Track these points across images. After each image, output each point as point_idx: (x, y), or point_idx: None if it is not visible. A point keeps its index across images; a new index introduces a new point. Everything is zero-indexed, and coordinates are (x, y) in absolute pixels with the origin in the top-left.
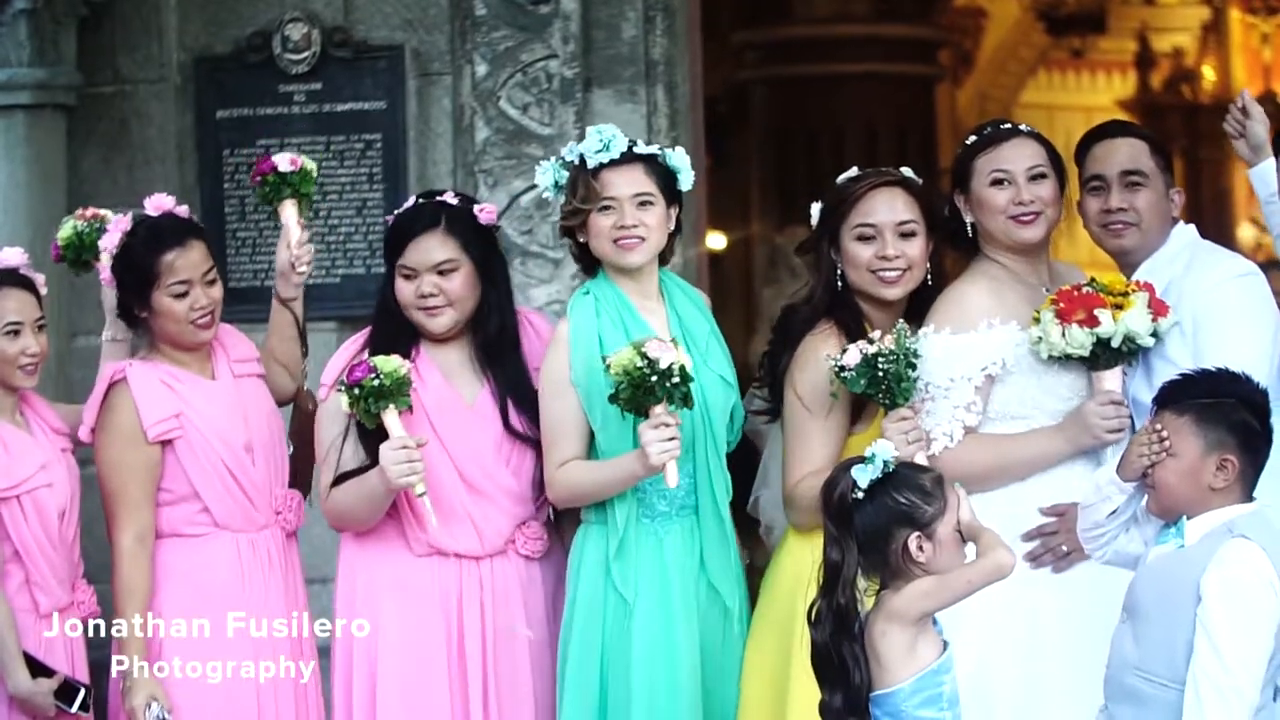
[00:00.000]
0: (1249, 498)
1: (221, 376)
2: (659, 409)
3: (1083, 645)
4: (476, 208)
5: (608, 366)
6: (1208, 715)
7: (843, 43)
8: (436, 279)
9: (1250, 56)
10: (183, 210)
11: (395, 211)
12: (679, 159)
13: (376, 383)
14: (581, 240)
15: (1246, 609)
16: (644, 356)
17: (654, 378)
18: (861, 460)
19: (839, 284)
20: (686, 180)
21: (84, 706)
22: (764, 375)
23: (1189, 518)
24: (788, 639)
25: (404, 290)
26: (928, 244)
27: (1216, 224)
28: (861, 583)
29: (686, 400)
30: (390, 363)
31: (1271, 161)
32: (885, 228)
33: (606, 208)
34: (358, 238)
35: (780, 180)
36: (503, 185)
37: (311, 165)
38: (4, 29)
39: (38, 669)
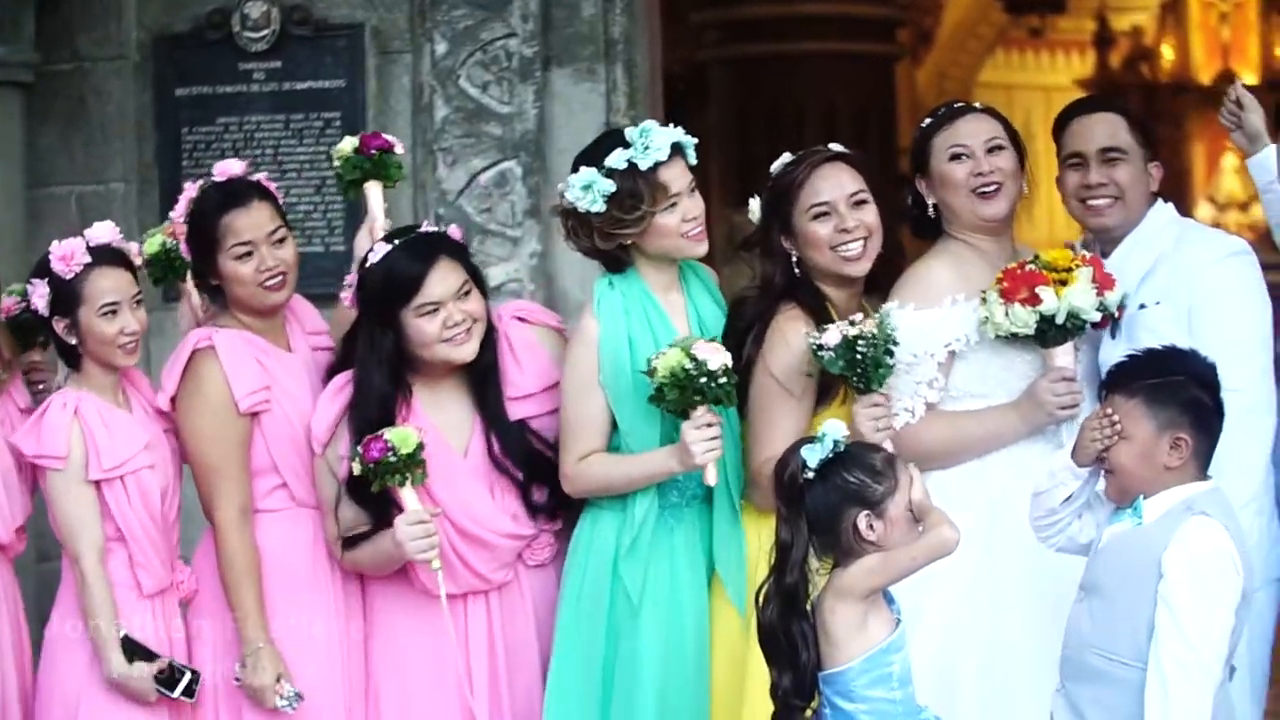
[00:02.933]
0: (1204, 475)
1: (298, 349)
2: (702, 409)
3: (1045, 625)
4: (449, 229)
5: (653, 369)
6: (1172, 692)
7: (802, 21)
8: (463, 304)
9: (1209, 35)
10: (257, 175)
11: (366, 265)
12: (685, 136)
13: (394, 459)
14: (628, 243)
15: (1209, 585)
16: (692, 358)
17: (702, 379)
18: (812, 440)
19: (795, 269)
20: (692, 155)
21: (188, 692)
22: None
23: (1146, 497)
24: (746, 620)
25: (428, 329)
26: (879, 212)
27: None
28: (814, 563)
29: (730, 399)
30: (407, 439)
31: (1271, 150)
32: (839, 201)
33: (671, 205)
34: (316, 215)
35: (739, 159)
36: (462, 163)
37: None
38: None
39: (141, 652)
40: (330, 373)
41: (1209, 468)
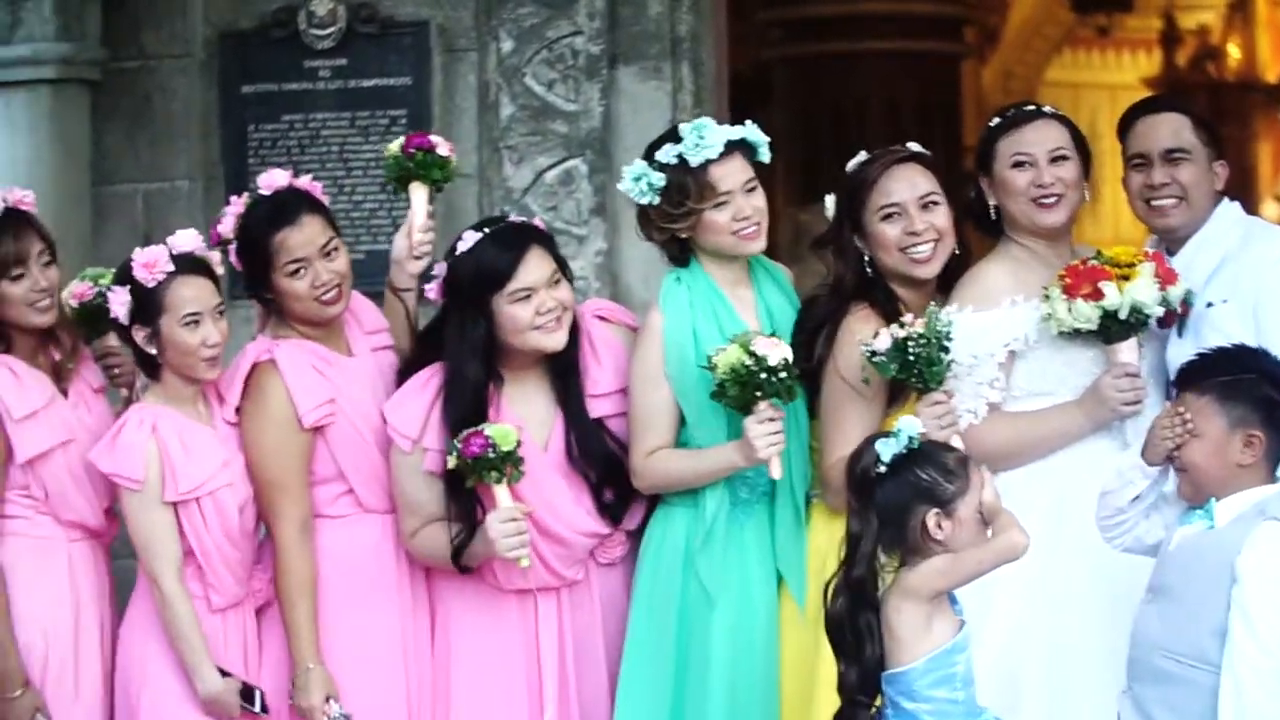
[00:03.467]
0: (1274, 476)
1: (359, 352)
2: (764, 404)
3: (1110, 626)
4: (535, 220)
5: (713, 365)
6: (1246, 698)
7: (867, 20)
8: (554, 292)
9: (1276, 34)
10: (304, 182)
11: (455, 253)
12: (756, 134)
13: (493, 455)
14: (684, 236)
15: None
16: (752, 354)
17: (762, 374)
18: (887, 435)
19: (867, 269)
20: (765, 153)
21: (263, 708)
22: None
23: (1218, 499)
24: (815, 616)
25: (522, 315)
26: (951, 214)
27: (1240, 202)
28: (882, 558)
29: (791, 394)
30: (508, 436)
31: None
32: (909, 203)
33: (721, 203)
34: (381, 213)
35: (804, 158)
36: (528, 161)
37: (452, 155)
38: (30, 3)
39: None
40: (405, 370)
41: (1278, 468)
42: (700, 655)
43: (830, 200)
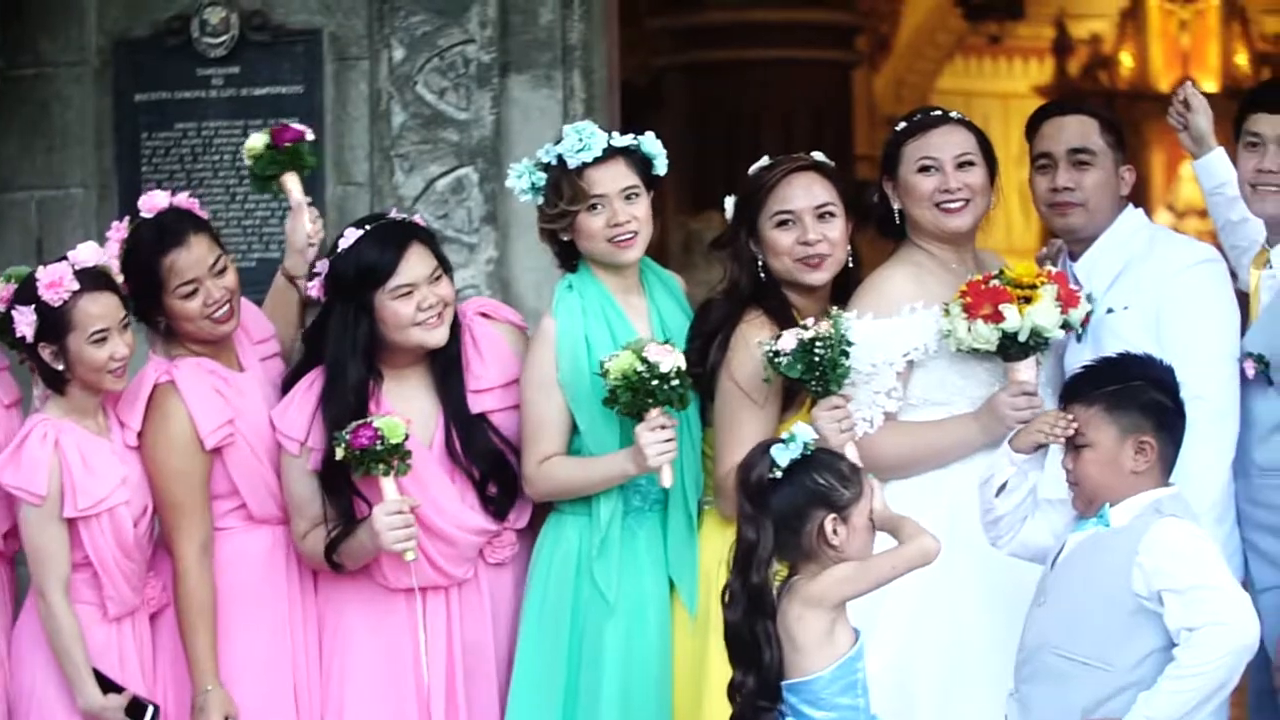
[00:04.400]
0: (1168, 481)
1: (250, 365)
2: (656, 411)
3: (1004, 635)
4: (415, 219)
5: (605, 371)
6: (1218, 647)
7: (759, 28)
8: (434, 289)
9: (1168, 43)
10: (184, 200)
11: (337, 251)
12: (652, 144)
13: (381, 448)
14: (565, 239)
15: (1211, 568)
16: (644, 361)
17: (654, 381)
18: (780, 441)
19: (761, 274)
20: (662, 165)
21: None
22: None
23: (1112, 504)
24: (704, 623)
25: (403, 311)
26: (847, 226)
27: None
28: (774, 566)
29: (683, 401)
30: (395, 428)
31: (1218, 153)
32: (804, 212)
33: (595, 206)
34: (274, 221)
35: (695, 166)
36: (419, 170)
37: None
38: None
39: (105, 685)
40: (293, 374)
41: (1172, 473)
42: (593, 662)
43: (730, 203)
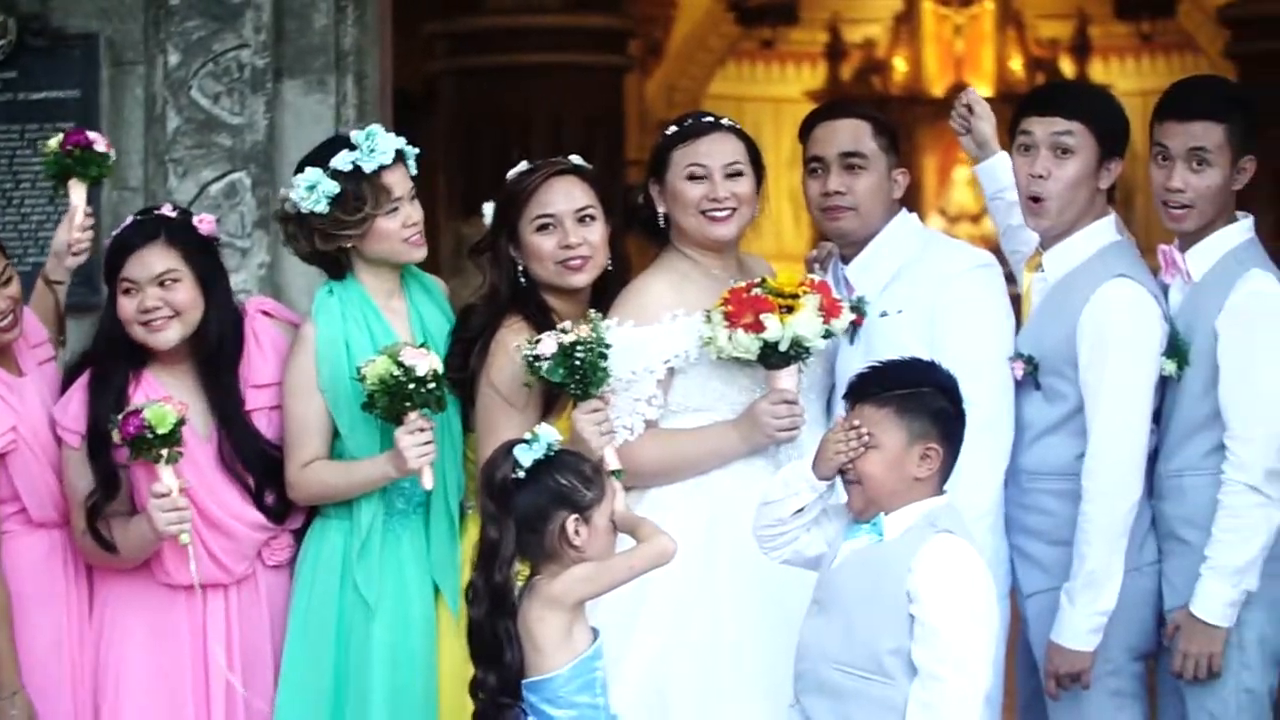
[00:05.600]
0: (943, 490)
1: (29, 369)
2: (414, 415)
3: (766, 640)
4: (195, 219)
5: (362, 376)
6: (949, 697)
7: (532, 33)
8: (159, 291)
9: (943, 48)
10: None
11: (114, 232)
12: (407, 145)
13: (150, 436)
14: (348, 246)
15: (968, 604)
16: (400, 365)
17: (410, 385)
18: (524, 441)
19: (521, 279)
20: (414, 165)
21: None
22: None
23: (886, 513)
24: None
25: (126, 306)
26: (607, 229)
27: None
28: (516, 565)
29: (440, 404)
30: (164, 418)
31: (1001, 157)
32: (565, 216)
33: (393, 209)
34: (50, 225)
35: (466, 170)
36: (192, 175)
37: (110, 152)
38: None
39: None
40: (72, 370)
41: (946, 481)
42: (360, 665)
43: (489, 208)
